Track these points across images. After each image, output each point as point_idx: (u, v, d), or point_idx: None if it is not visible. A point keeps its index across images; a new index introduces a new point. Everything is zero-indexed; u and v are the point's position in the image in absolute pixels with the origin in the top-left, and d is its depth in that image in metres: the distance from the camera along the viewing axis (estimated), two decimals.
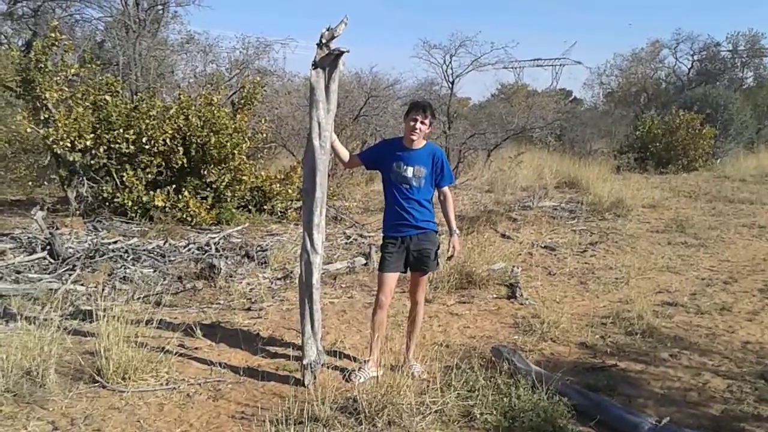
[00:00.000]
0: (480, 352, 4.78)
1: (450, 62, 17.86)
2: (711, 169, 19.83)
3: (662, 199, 13.38)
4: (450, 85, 18.11)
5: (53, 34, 9.13)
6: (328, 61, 4.04)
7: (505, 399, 3.83)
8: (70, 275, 6.35)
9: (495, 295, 6.46)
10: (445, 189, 4.43)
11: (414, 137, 4.23)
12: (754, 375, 4.47)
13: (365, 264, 7.35)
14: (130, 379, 4.13)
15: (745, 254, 8.55)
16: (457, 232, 4.48)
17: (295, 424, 3.38)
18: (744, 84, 30.04)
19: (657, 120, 21.00)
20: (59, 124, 8.75)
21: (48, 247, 6.98)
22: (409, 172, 4.25)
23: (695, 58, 29.79)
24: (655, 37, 31.66)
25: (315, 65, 4.03)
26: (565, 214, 11.39)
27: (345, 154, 4.47)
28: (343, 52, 4.02)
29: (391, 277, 4.34)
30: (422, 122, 4.20)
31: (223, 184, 9.67)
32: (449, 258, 4.56)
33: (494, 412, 3.71)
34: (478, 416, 3.70)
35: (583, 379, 4.36)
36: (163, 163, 9.50)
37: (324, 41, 4.01)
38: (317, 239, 4.13)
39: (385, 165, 4.33)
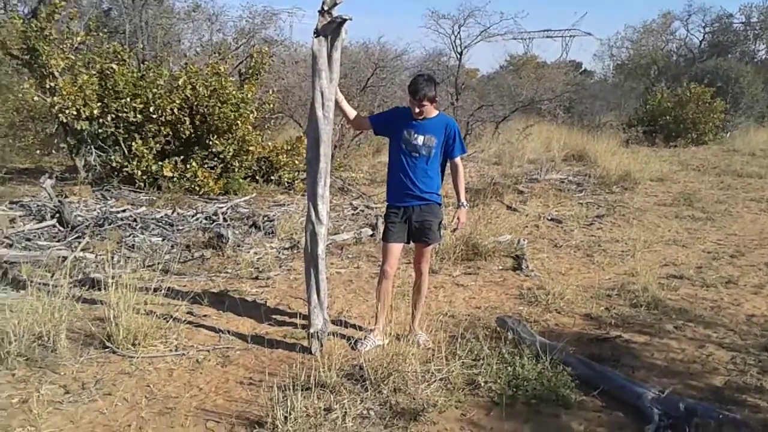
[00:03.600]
0: (485, 323, 4.83)
1: (458, 33, 17.74)
2: (720, 142, 19.68)
3: (670, 172, 13.32)
4: (458, 56, 17.99)
5: (56, 1, 9.07)
6: (331, 28, 3.96)
7: (509, 368, 3.88)
8: (79, 243, 6.40)
9: (501, 267, 6.48)
10: (457, 160, 4.38)
11: (421, 117, 4.21)
12: (758, 347, 4.49)
13: (372, 235, 7.37)
14: (139, 345, 4.19)
15: (753, 228, 8.53)
16: (465, 204, 4.43)
17: (302, 390, 3.44)
18: (756, 57, 29.56)
19: (667, 93, 20.80)
20: (63, 92, 8.73)
21: (57, 215, 7.03)
22: (420, 140, 4.21)
23: (707, 30, 29.34)
24: (667, 9, 31.16)
25: (317, 33, 3.96)
26: (573, 187, 11.36)
27: (352, 113, 4.43)
28: (345, 20, 3.94)
29: (395, 247, 4.35)
30: (422, 105, 4.13)
31: (230, 154, 9.67)
32: (454, 230, 4.56)
33: (498, 381, 3.76)
34: (483, 385, 3.75)
35: (587, 349, 4.40)
36: (171, 133, 9.49)
37: (326, 8, 3.93)
38: (322, 210, 4.13)
39: (395, 131, 4.29)
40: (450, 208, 4.61)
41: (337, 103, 4.19)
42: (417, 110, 4.16)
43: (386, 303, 4.42)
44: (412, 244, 4.48)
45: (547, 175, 12.18)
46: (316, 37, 3.97)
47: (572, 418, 3.50)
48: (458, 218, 4.38)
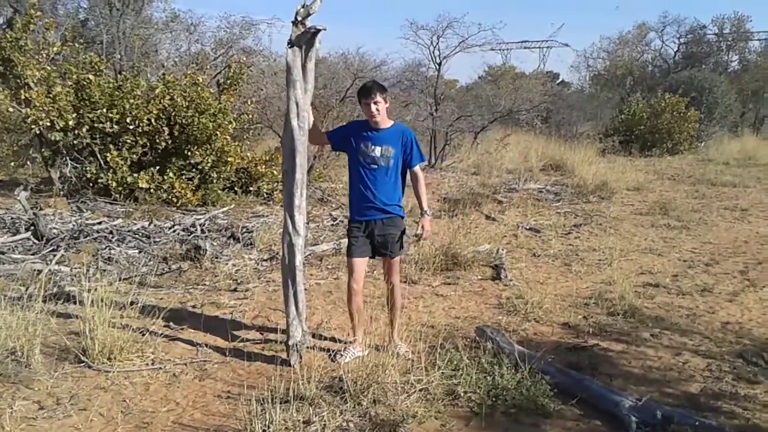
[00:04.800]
0: (464, 333, 4.84)
1: (437, 43, 17.76)
2: (695, 152, 20.01)
3: (646, 181, 13.49)
4: (437, 67, 18.02)
5: (31, 12, 8.98)
6: (305, 39, 3.96)
7: (488, 378, 3.88)
8: (54, 256, 6.31)
9: (480, 277, 6.51)
10: (416, 169, 4.36)
11: (377, 119, 4.18)
12: (733, 354, 4.56)
13: None
14: (115, 359, 4.14)
15: (727, 236, 8.66)
16: (428, 212, 4.39)
17: (281, 403, 3.40)
18: (729, 67, 30.10)
19: (642, 103, 21.10)
20: (37, 103, 8.62)
21: (32, 228, 6.93)
22: (378, 151, 4.19)
23: (681, 41, 29.76)
24: (642, 20, 31.54)
25: (291, 44, 3.96)
26: (551, 197, 11.47)
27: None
28: (319, 30, 3.94)
29: (360, 262, 4.33)
30: (375, 102, 4.13)
31: (208, 165, 9.61)
32: (418, 238, 4.52)
33: (478, 391, 3.77)
34: (462, 395, 3.76)
35: (566, 358, 4.43)
36: (148, 144, 9.42)
37: (299, 19, 3.93)
38: (299, 221, 4.11)
39: (353, 145, 4.27)
40: (414, 218, 4.61)
41: None
42: (373, 110, 4.13)
43: (361, 317, 4.42)
44: (375, 259, 4.45)
45: (525, 185, 12.29)
46: (290, 47, 3.97)
47: (551, 427, 3.52)
48: (422, 226, 4.35)
